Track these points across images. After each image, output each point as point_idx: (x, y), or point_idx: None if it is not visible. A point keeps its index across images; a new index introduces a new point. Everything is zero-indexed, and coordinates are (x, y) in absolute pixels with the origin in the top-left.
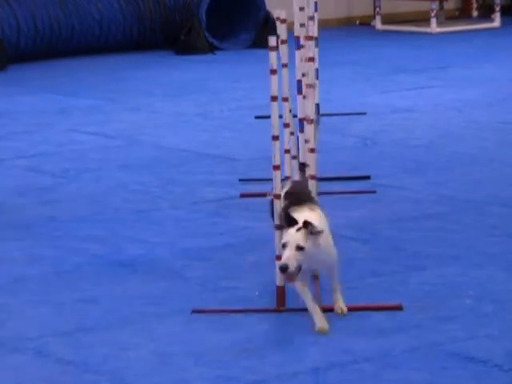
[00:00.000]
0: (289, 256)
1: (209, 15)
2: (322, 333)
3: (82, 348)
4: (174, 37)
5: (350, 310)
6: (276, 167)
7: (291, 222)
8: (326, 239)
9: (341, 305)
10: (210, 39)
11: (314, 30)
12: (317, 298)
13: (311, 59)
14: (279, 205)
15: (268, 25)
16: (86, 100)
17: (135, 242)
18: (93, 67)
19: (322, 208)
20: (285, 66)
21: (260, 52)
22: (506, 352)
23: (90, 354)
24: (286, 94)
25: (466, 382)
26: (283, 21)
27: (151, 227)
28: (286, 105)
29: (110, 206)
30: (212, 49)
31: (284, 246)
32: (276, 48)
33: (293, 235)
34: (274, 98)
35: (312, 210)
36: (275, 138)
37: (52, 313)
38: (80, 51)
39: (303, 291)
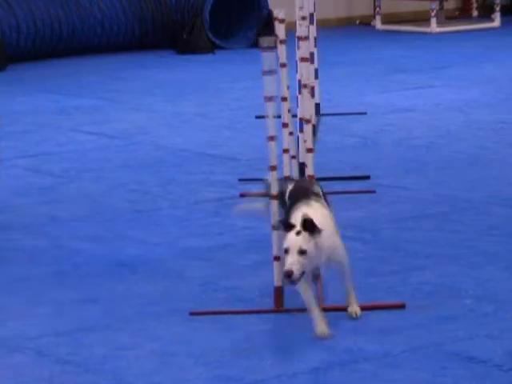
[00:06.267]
0: (292, 262)
1: (211, 14)
2: (322, 337)
3: (81, 348)
4: (175, 37)
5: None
6: (272, 167)
7: (289, 226)
8: (330, 238)
9: (355, 308)
10: (213, 38)
11: (311, 30)
12: (319, 298)
13: (304, 59)
14: (276, 205)
15: (270, 24)
16: (86, 100)
17: (135, 242)
18: (93, 67)
19: (329, 204)
20: (283, 65)
21: (261, 51)
22: (506, 352)
23: (90, 354)
24: (283, 93)
25: (466, 381)
26: (282, 20)
27: (151, 227)
28: (285, 105)
29: (110, 205)
30: (213, 48)
31: (286, 251)
32: (269, 49)
33: (293, 239)
34: (268, 99)
35: (312, 207)
36: (271, 138)
37: (52, 313)
38: (81, 51)
39: (306, 292)
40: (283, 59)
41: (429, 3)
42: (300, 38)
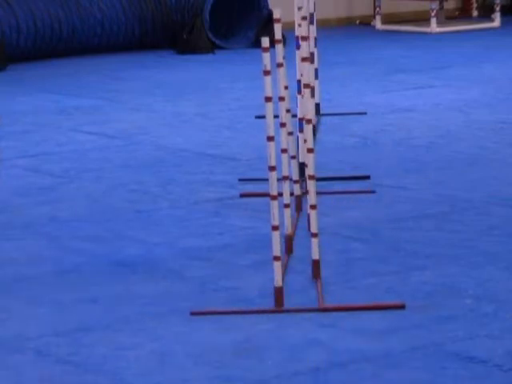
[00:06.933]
0: None
1: (211, 14)
2: None
3: (81, 348)
4: (175, 37)
5: (351, 309)
6: (271, 168)
7: None
8: None
9: None
10: (213, 38)
11: (312, 30)
12: (319, 298)
13: (305, 59)
14: (276, 206)
15: (270, 24)
16: (86, 100)
17: (135, 242)
18: (93, 67)
19: None
20: (280, 65)
21: (261, 51)
22: (506, 352)
23: (90, 354)
24: (281, 93)
25: (466, 381)
26: (278, 20)
27: (151, 227)
28: (282, 104)
29: (110, 205)
30: (213, 48)
31: None
32: (269, 49)
33: None
34: (268, 99)
35: None
36: (270, 138)
37: (52, 313)
38: (81, 51)
39: None
40: (280, 59)
41: (429, 3)
42: (299, 38)
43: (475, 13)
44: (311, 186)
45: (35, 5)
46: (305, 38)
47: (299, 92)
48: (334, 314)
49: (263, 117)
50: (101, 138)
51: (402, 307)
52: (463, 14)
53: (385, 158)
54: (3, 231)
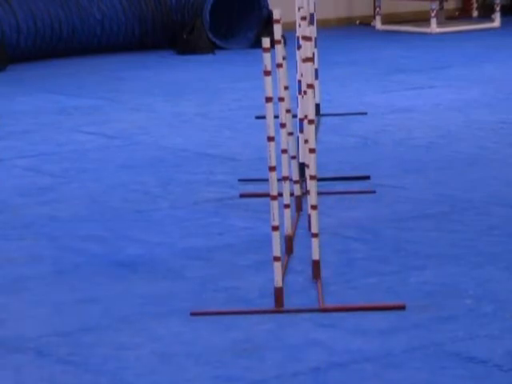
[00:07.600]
0: None
1: (211, 14)
2: None
3: (82, 348)
4: (175, 37)
5: (351, 310)
6: (271, 168)
7: None
8: None
9: None
10: (213, 38)
11: (311, 30)
12: (319, 298)
13: (308, 59)
14: (276, 206)
15: (270, 24)
16: (86, 100)
17: (135, 242)
18: (93, 67)
19: None
20: (280, 66)
21: (261, 52)
22: (506, 352)
23: (90, 354)
24: (281, 94)
25: (466, 381)
26: (277, 21)
27: (151, 227)
28: (283, 105)
29: (110, 205)
30: (213, 48)
31: None
32: (270, 49)
33: None
34: (268, 99)
35: None
36: (270, 139)
37: (52, 313)
38: (81, 51)
39: None
40: (280, 59)
41: (429, 3)
42: (301, 38)
43: (475, 13)
44: (312, 186)
45: (35, 5)
46: (308, 39)
47: (299, 92)
48: (334, 314)
49: (263, 117)
50: (101, 138)
51: (402, 307)
52: (463, 14)
53: (385, 158)
54: (3, 231)
